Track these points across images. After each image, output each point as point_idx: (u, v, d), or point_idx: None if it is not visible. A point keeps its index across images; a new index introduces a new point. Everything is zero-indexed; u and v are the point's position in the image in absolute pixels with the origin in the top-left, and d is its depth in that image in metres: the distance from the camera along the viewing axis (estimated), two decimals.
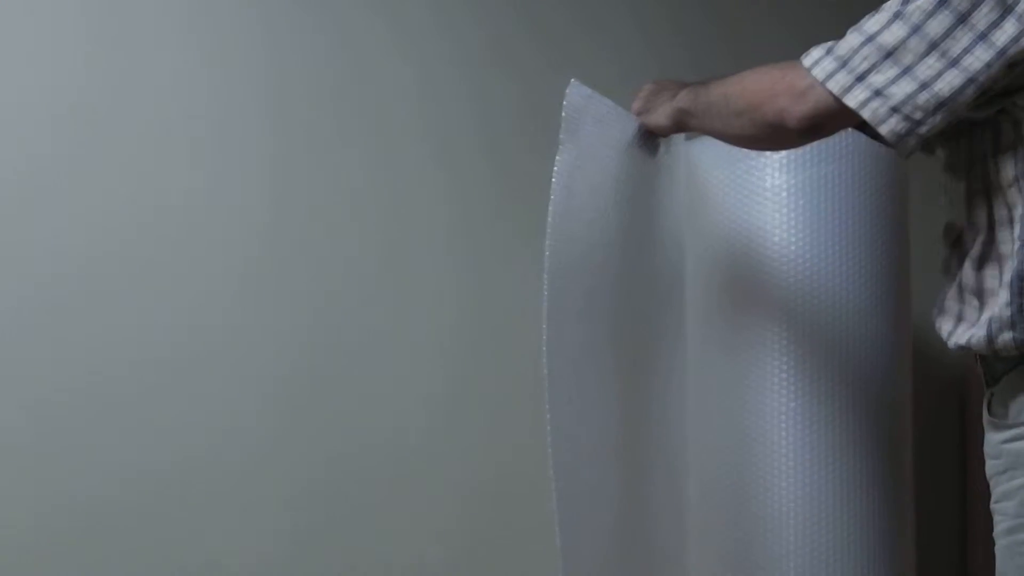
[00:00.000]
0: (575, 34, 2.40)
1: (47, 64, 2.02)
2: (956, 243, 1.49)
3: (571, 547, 1.59)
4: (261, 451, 2.12)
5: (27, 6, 2.02)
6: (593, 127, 1.66)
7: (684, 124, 1.66)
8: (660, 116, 1.68)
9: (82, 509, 1.99)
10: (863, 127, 1.41)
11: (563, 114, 1.62)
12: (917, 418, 2.02)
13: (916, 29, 1.34)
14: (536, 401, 2.15)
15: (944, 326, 1.48)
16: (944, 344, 1.49)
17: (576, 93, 1.64)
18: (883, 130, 1.37)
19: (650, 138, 1.76)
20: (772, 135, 1.48)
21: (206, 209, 2.11)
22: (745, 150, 1.78)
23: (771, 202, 1.88)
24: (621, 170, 1.73)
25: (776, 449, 1.85)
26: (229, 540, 2.08)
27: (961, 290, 1.46)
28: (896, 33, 1.35)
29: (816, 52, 1.42)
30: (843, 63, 1.38)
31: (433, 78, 2.29)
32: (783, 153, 1.86)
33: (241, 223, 2.13)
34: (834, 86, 1.38)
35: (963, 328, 1.45)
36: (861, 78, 1.36)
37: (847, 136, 1.84)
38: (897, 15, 1.35)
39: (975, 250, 1.44)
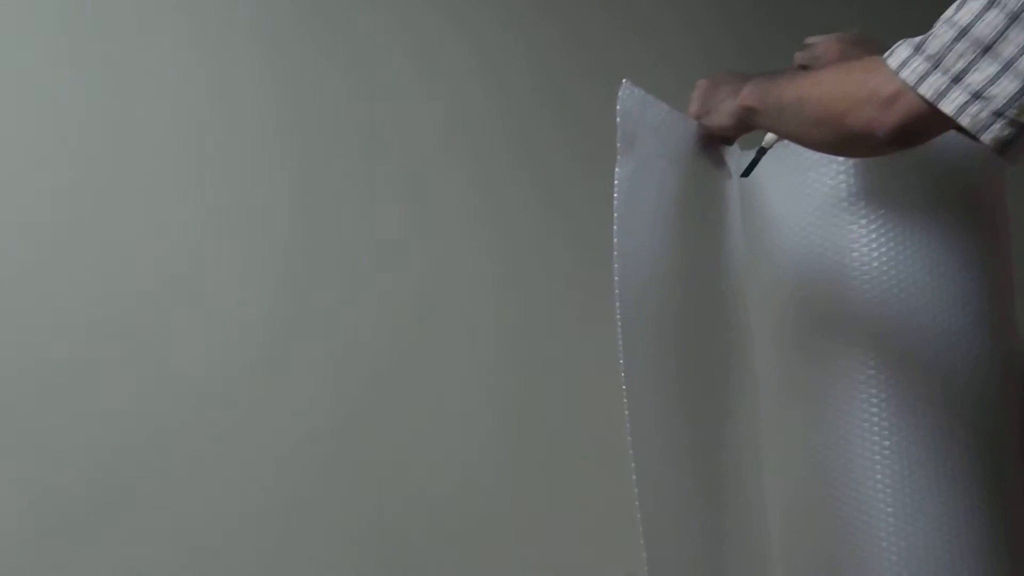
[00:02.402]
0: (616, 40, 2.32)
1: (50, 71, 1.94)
2: None
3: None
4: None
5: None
6: (650, 135, 1.48)
7: (751, 124, 1.48)
8: (723, 116, 1.51)
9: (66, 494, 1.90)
10: (963, 131, 1.21)
11: (618, 121, 1.44)
12: None
13: (1016, 16, 1.14)
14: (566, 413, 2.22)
15: None
16: None
17: (630, 97, 1.45)
18: (986, 138, 1.18)
19: (713, 143, 1.58)
20: (858, 145, 1.32)
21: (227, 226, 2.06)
22: (817, 153, 1.56)
23: (849, 212, 1.64)
24: (683, 181, 1.54)
25: (871, 494, 1.61)
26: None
27: None
28: (993, 23, 1.15)
29: (903, 51, 1.22)
30: (935, 63, 1.19)
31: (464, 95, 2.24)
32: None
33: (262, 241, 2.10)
34: (927, 91, 1.19)
35: None
36: (957, 79, 1.17)
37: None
38: (992, 1, 1.15)
39: None
